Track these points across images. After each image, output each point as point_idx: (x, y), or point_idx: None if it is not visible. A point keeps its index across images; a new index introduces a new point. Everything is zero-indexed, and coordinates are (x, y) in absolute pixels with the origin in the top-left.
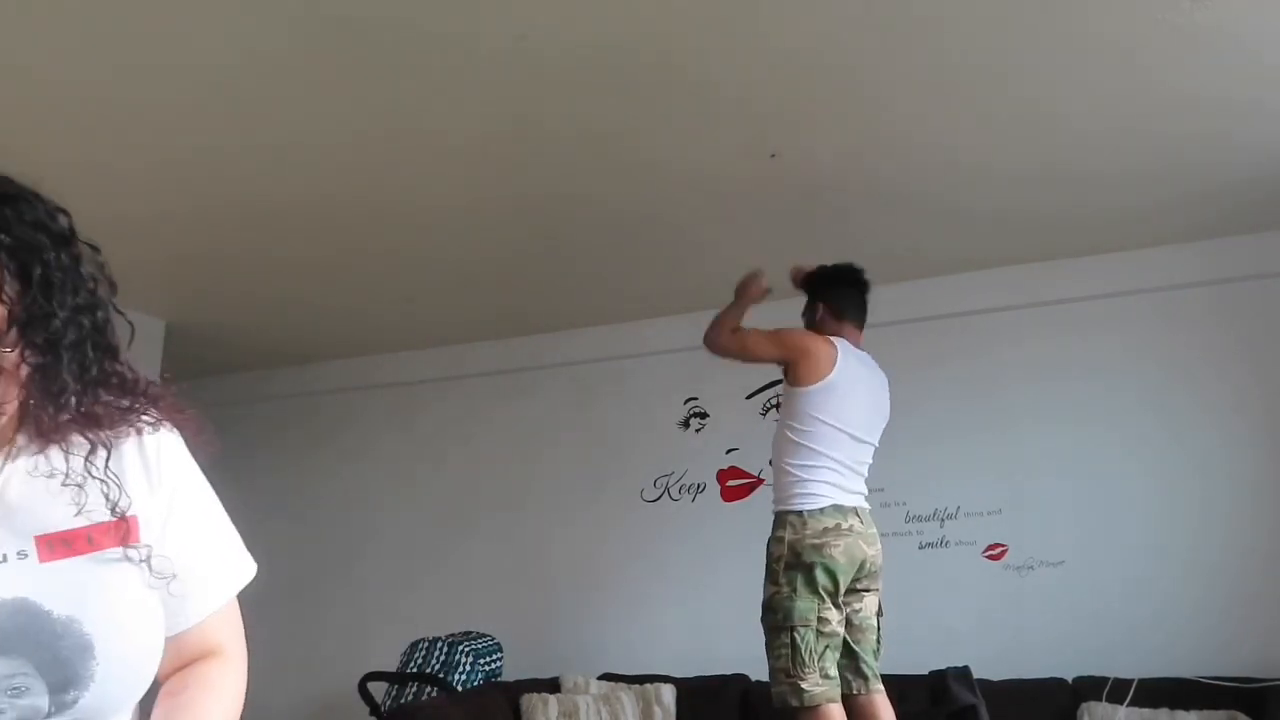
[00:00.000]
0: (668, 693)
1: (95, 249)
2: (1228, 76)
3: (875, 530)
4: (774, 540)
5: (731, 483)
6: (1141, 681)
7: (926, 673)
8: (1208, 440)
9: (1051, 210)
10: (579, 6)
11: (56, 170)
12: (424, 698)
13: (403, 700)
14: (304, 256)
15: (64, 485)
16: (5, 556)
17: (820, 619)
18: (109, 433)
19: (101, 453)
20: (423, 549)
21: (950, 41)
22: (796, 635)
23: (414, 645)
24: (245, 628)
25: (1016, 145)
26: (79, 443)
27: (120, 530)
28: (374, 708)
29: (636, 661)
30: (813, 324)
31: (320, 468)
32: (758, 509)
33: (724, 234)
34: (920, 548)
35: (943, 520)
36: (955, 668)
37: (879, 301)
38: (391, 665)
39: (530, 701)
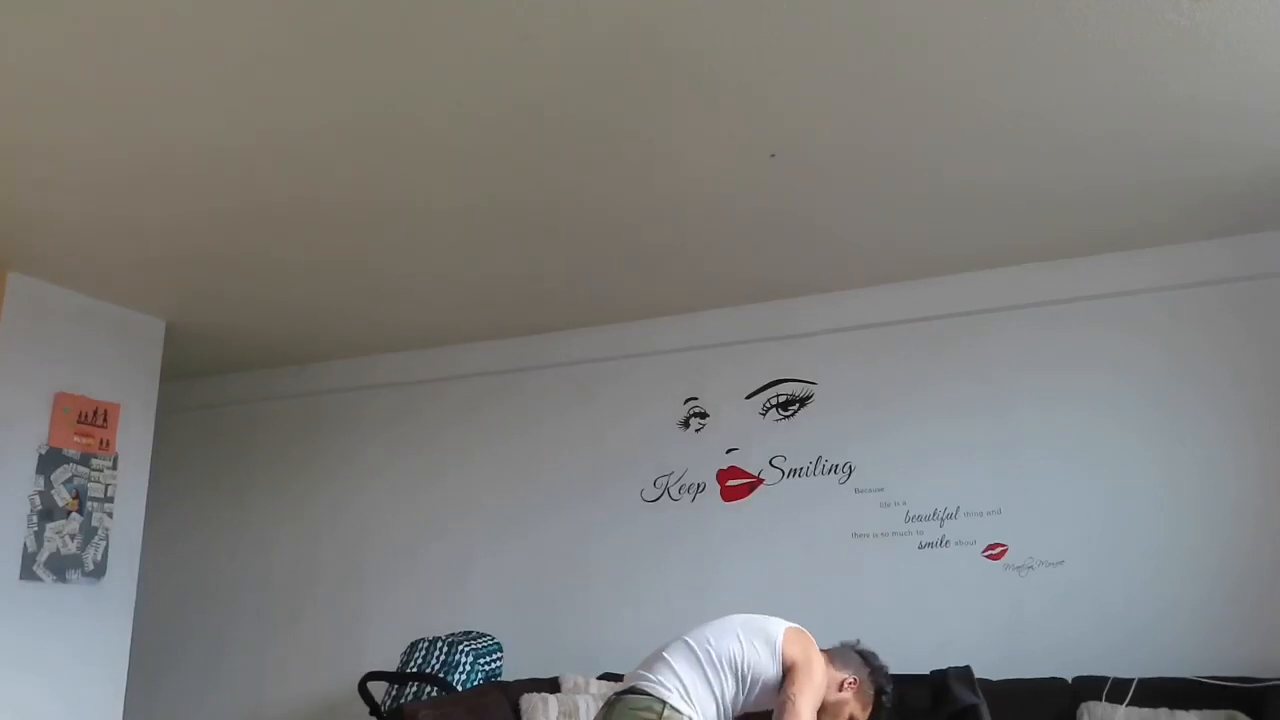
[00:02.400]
0: None
1: None
2: (1231, 75)
3: None
4: None
5: (731, 483)
6: (1141, 681)
7: (928, 672)
8: (1209, 440)
9: (1053, 209)
10: (583, 2)
11: (58, 170)
12: (424, 697)
13: (403, 700)
14: (304, 256)
15: None
16: None
17: None
18: None
19: None
20: (423, 549)
21: (949, 44)
22: None
23: (414, 645)
24: (246, 627)
25: (1018, 146)
26: None
27: None
28: (374, 708)
29: (636, 661)
30: None
31: (320, 468)
32: (758, 509)
33: (725, 233)
34: (920, 548)
35: (943, 520)
36: (956, 668)
37: (880, 301)
38: (391, 665)
39: (530, 701)
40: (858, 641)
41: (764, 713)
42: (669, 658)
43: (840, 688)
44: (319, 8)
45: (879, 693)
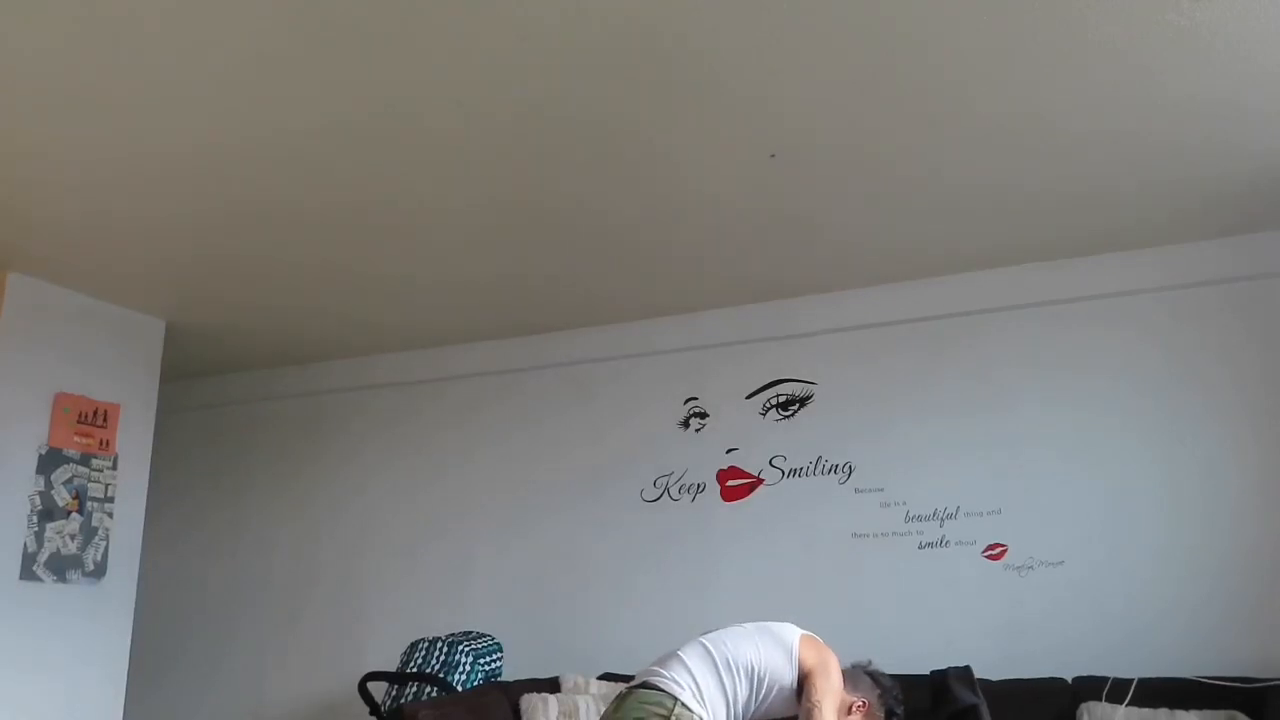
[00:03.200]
0: None
1: None
2: (1229, 74)
3: None
4: None
5: (731, 483)
6: (1141, 681)
7: (928, 672)
8: (1209, 440)
9: (1051, 209)
10: (583, 2)
11: (57, 170)
12: (424, 698)
13: (403, 700)
14: (304, 257)
15: None
16: None
17: None
18: None
19: None
20: (423, 549)
21: (950, 43)
22: None
23: (414, 645)
24: (246, 627)
25: (1018, 145)
26: None
27: None
28: (374, 708)
29: (636, 661)
30: None
31: (320, 468)
32: (757, 509)
33: (724, 233)
34: (920, 548)
35: (943, 520)
36: (956, 668)
37: (880, 301)
38: (391, 665)
39: (530, 701)
40: (869, 662)
41: None
42: (684, 656)
43: (849, 710)
44: (319, 8)
45: (889, 715)
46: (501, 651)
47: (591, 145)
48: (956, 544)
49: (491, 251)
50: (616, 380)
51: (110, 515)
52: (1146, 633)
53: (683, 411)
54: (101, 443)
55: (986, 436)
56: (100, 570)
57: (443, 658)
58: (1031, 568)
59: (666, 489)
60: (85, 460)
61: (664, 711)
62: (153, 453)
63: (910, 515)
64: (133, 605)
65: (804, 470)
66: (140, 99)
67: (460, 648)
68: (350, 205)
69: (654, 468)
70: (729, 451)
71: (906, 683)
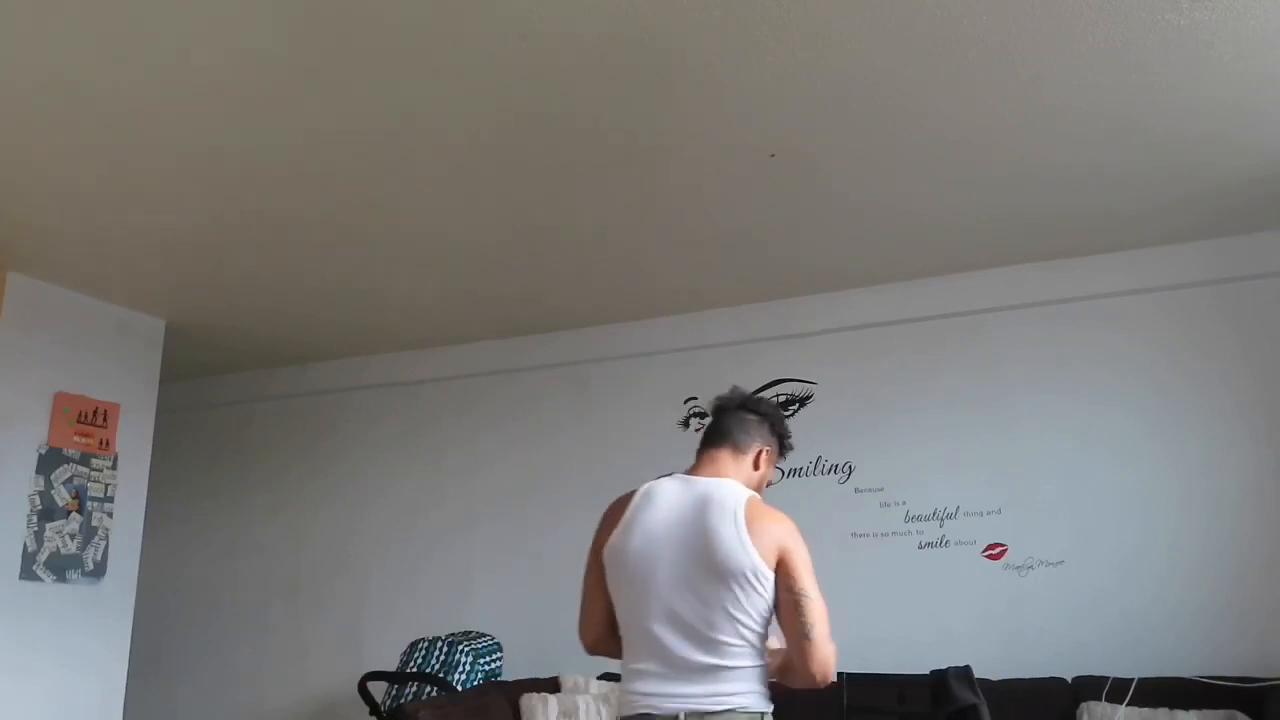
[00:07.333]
0: None
1: None
2: (1227, 75)
3: None
4: None
5: None
6: (1141, 681)
7: (928, 672)
8: (1209, 440)
9: (1051, 210)
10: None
11: (58, 172)
12: (424, 697)
13: (403, 700)
14: (304, 256)
15: None
16: None
17: None
18: None
19: None
20: (423, 549)
21: (951, 41)
22: None
23: (414, 645)
24: (246, 627)
25: (1016, 145)
26: None
27: None
28: (374, 707)
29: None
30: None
31: (319, 468)
32: None
33: (724, 233)
34: (920, 548)
35: (943, 520)
36: (956, 667)
37: (880, 301)
38: (391, 665)
39: (530, 701)
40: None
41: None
42: (727, 662)
43: (756, 465)
44: (322, 19)
45: (782, 441)
46: (501, 651)
47: (592, 146)
48: (956, 544)
49: (492, 252)
50: (616, 380)
51: (110, 515)
52: (1146, 632)
53: (683, 411)
54: (101, 442)
55: (986, 436)
56: (100, 570)
57: (443, 658)
58: (1031, 568)
59: None
60: (85, 460)
61: None
62: (153, 453)
63: (910, 515)
64: (132, 605)
65: (804, 470)
66: (143, 105)
67: (460, 648)
68: (350, 206)
69: (654, 468)
70: None
71: (907, 683)
